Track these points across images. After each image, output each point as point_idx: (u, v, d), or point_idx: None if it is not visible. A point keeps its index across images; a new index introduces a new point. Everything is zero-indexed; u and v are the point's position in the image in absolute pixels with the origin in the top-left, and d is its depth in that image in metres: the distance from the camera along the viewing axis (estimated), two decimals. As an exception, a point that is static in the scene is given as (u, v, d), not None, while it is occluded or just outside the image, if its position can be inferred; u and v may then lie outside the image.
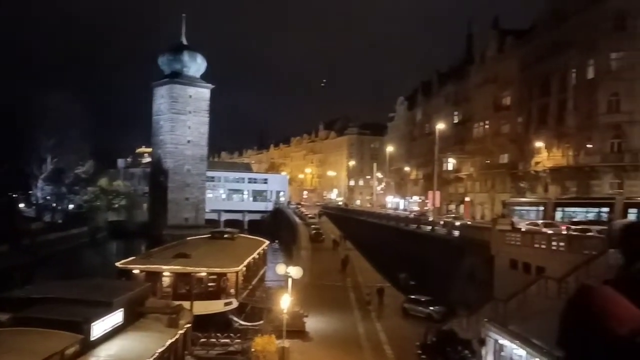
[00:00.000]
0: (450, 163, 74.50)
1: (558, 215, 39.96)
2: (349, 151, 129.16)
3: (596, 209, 38.92)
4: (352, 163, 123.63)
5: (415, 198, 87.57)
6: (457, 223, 37.27)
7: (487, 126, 65.88)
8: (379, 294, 33.79)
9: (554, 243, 26.41)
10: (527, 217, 42.61)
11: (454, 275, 34.94)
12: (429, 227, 46.22)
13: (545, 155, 52.16)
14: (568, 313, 1.31)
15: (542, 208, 43.77)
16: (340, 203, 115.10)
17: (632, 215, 34.97)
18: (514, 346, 19.33)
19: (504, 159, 61.97)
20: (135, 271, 28.89)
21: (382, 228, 57.65)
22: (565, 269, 21.16)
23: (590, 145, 47.21)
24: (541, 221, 37.88)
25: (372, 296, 33.59)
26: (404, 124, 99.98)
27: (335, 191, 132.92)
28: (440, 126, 60.24)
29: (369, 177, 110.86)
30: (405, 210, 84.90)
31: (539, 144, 52.46)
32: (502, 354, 21.20)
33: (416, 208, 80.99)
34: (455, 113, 76.44)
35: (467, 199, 64.20)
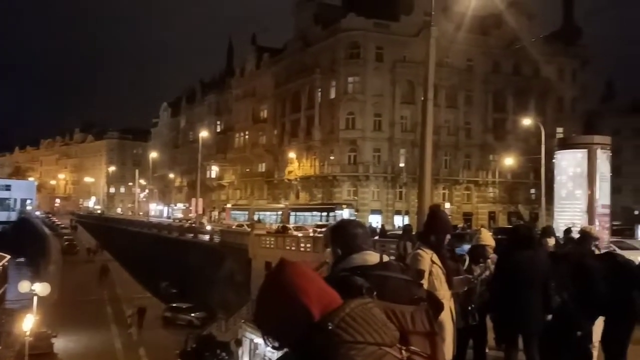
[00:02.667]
0: (214, 171, 75.08)
1: (256, 217, 51.30)
2: (109, 156, 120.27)
3: (275, 213, 51.86)
4: (112, 169, 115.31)
5: (180, 205, 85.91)
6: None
7: (246, 136, 68.34)
8: (139, 314, 31.66)
9: (302, 244, 28.69)
10: (239, 219, 54.17)
11: (215, 280, 35.28)
12: (191, 234, 45.78)
13: (297, 165, 56.42)
14: (263, 288, 1.29)
15: (246, 212, 56.15)
16: (98, 211, 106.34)
17: (292, 218, 47.79)
18: (267, 343, 20.39)
19: (262, 167, 65.03)
20: None
21: (144, 236, 55.03)
22: (312, 267, 23.08)
23: (333, 157, 52.72)
24: (290, 225, 41.56)
25: (134, 317, 31.43)
26: (168, 130, 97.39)
27: (94, 199, 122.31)
28: (204, 134, 60.34)
29: (131, 183, 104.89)
30: (169, 217, 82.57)
31: (291, 154, 56.49)
32: (257, 352, 22.15)
33: (180, 215, 79.47)
34: (218, 122, 77.44)
35: (228, 205, 65.46)
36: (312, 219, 45.44)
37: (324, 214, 45.54)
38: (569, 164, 12.03)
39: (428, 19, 12.79)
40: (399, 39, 50.20)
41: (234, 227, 43.98)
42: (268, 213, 53.15)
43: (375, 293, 1.49)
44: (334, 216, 43.39)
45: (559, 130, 52.27)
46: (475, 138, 55.17)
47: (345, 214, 44.04)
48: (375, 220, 48.51)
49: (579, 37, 59.29)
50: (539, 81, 56.04)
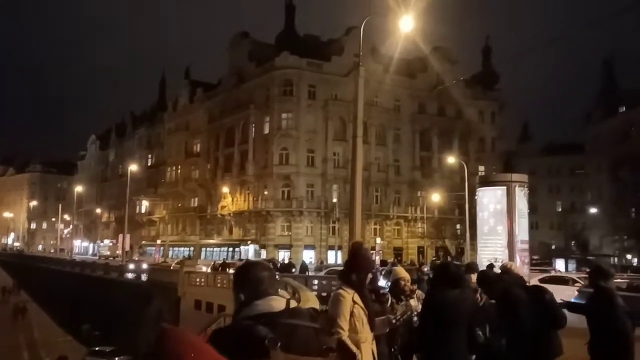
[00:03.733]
0: (144, 205, 72.49)
1: (170, 253, 53.89)
2: (31, 190, 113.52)
3: (188, 249, 54.24)
4: (33, 204, 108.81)
5: (107, 242, 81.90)
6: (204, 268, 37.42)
7: (179, 171, 66.76)
8: None
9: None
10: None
11: (143, 321, 33.48)
12: (117, 273, 43.52)
13: (230, 200, 55.51)
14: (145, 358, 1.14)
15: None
16: (17, 248, 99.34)
17: (203, 254, 49.68)
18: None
19: (195, 202, 63.48)
20: None
21: (66, 275, 51.66)
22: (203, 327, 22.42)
23: (266, 192, 52.36)
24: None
25: None
26: (96, 163, 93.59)
27: (13, 235, 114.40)
28: (133, 168, 58.32)
29: (54, 219, 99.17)
30: (95, 255, 78.35)
31: (225, 189, 55.60)
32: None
33: (107, 252, 75.62)
34: (149, 156, 75.39)
35: (158, 241, 63.03)
36: (220, 254, 47.49)
37: (230, 249, 48.32)
38: (490, 201, 12.46)
39: (357, 60, 13.07)
40: (331, 78, 51.40)
41: (172, 265, 42.58)
42: (182, 249, 54.56)
43: (279, 344, 1.34)
44: (239, 252, 45.95)
45: (481, 168, 54.87)
46: (404, 175, 56.66)
47: (250, 250, 45.71)
48: (309, 256, 48.75)
49: (497, 82, 63.20)
50: (461, 122, 58.83)
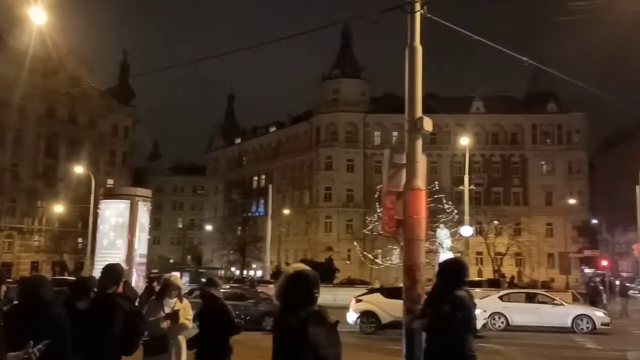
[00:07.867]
0: None
1: None
2: None
3: None
4: None
5: None
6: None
7: None
8: None
9: None
10: None
11: None
12: None
13: None
14: None
15: None
16: None
17: None
18: None
19: None
20: None
21: None
22: None
23: None
24: None
25: None
26: None
27: None
28: None
29: None
30: None
31: None
32: None
33: None
34: None
35: None
36: None
37: None
38: (112, 214, 12.09)
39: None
40: None
41: None
42: None
43: None
44: None
45: (110, 182, 53.21)
46: (24, 182, 49.85)
47: None
48: None
49: (133, 98, 62.79)
50: (94, 133, 56.09)
